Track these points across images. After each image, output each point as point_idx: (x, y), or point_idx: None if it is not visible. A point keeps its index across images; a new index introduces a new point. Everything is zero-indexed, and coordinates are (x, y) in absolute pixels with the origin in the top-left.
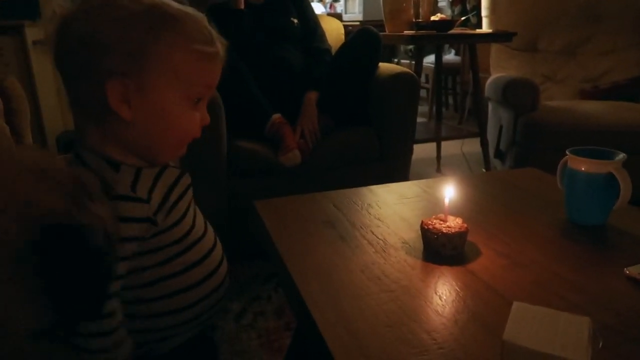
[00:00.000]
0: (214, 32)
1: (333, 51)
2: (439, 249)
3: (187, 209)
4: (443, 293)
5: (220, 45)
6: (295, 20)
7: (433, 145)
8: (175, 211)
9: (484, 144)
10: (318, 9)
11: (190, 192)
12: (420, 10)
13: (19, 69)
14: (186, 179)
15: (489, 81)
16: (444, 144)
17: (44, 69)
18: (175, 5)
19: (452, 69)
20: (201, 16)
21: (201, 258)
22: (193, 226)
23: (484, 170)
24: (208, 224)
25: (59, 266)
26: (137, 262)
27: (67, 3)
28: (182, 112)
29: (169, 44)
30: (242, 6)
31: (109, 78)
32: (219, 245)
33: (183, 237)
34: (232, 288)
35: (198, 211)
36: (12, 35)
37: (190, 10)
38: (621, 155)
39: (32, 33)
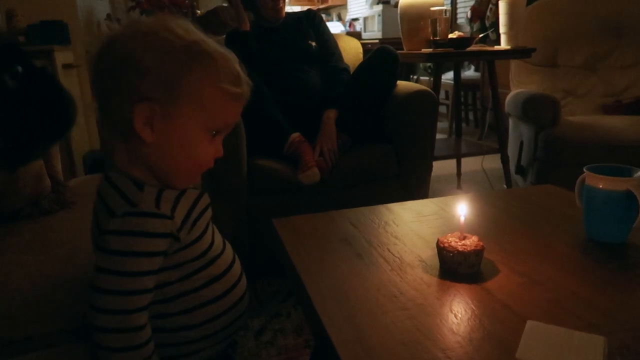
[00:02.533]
0: (242, 74)
1: (351, 70)
2: (455, 267)
3: (207, 227)
4: (458, 311)
5: (246, 87)
6: (313, 43)
7: (453, 161)
8: (196, 228)
9: (505, 160)
10: (338, 27)
11: (209, 211)
12: (438, 28)
13: None
14: (205, 199)
15: (509, 97)
16: (464, 160)
17: (72, 91)
18: (213, 44)
19: (472, 84)
20: (234, 57)
21: (221, 273)
22: (212, 242)
23: (504, 186)
24: (226, 241)
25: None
26: (160, 277)
27: (116, 25)
28: (199, 143)
29: (200, 79)
30: (248, 28)
31: (139, 101)
32: (237, 261)
33: (204, 253)
34: (252, 305)
35: (216, 229)
36: (43, 59)
37: (224, 50)
38: (639, 172)
39: (62, 57)
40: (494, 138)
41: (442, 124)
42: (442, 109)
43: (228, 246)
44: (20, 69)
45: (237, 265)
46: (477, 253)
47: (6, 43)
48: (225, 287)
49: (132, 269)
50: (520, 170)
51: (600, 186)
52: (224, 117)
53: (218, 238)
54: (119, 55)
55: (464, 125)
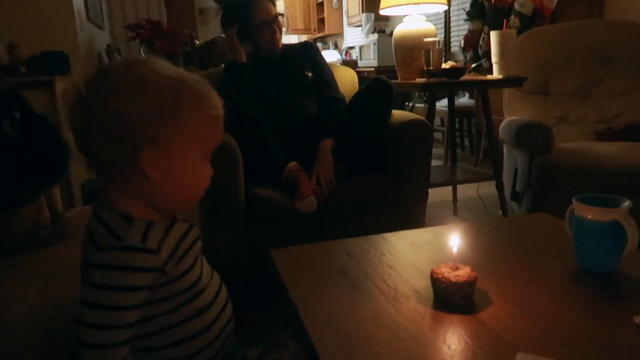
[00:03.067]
0: (216, 94)
1: (347, 99)
2: (448, 297)
3: (196, 260)
4: (452, 343)
5: (221, 106)
6: (310, 74)
7: (450, 187)
8: (184, 262)
9: (500, 187)
10: (334, 55)
11: (199, 244)
12: (431, 58)
13: None
14: (195, 232)
15: (502, 124)
16: (460, 186)
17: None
18: (190, 74)
19: (467, 111)
20: (207, 82)
21: (207, 304)
22: (201, 275)
23: (500, 213)
24: (214, 270)
25: None
26: (146, 310)
27: (84, 77)
28: (198, 168)
29: (190, 112)
30: (244, 59)
31: (144, 145)
32: (224, 289)
33: (191, 286)
34: (250, 335)
35: (205, 260)
36: (44, 90)
37: (199, 77)
38: (627, 203)
39: (62, 87)
40: (489, 164)
41: (437, 150)
42: (438, 135)
43: (215, 276)
44: (18, 115)
45: (224, 294)
46: (470, 284)
47: (6, 90)
48: (211, 318)
49: (115, 304)
50: (516, 196)
51: (589, 217)
52: (213, 140)
53: (206, 269)
54: (105, 111)
55: (459, 151)
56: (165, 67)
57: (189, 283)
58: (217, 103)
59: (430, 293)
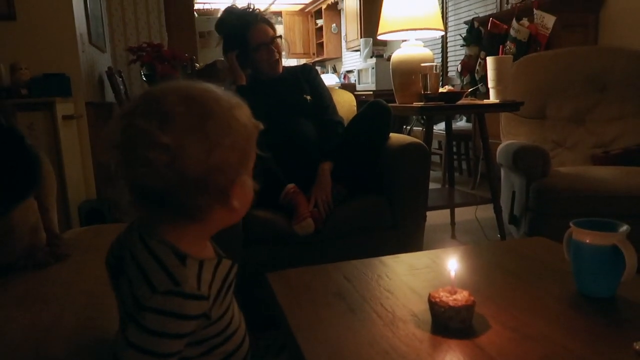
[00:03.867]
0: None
1: (345, 122)
2: (446, 322)
3: (231, 300)
4: None
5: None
6: (308, 97)
7: (448, 210)
8: (225, 302)
9: (497, 211)
10: (333, 79)
11: (234, 282)
12: (428, 82)
13: (48, 142)
14: (235, 269)
15: (499, 148)
16: (458, 209)
17: (71, 141)
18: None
19: (464, 135)
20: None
21: (236, 348)
22: (233, 316)
23: (498, 236)
24: (238, 307)
25: None
26: (184, 352)
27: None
28: (251, 183)
29: (248, 139)
30: (244, 82)
31: (232, 187)
32: (246, 331)
33: (225, 329)
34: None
35: (234, 300)
36: (44, 111)
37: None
38: (625, 227)
39: (63, 109)
40: (486, 187)
41: (435, 173)
42: (436, 158)
43: (241, 316)
44: None
45: (247, 341)
46: (468, 308)
47: None
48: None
49: (164, 350)
50: (514, 219)
51: (587, 241)
52: (255, 151)
53: (236, 308)
54: (194, 149)
55: (457, 174)
56: (219, 98)
57: (223, 326)
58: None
59: (428, 317)
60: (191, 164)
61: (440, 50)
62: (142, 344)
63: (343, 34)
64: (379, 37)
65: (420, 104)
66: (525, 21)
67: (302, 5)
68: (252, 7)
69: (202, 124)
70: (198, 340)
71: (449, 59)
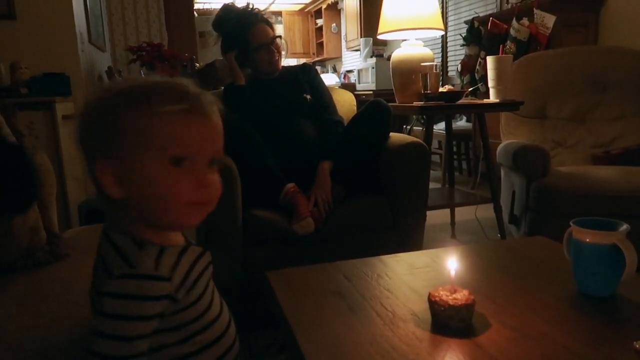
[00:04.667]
0: (191, 90)
1: (345, 121)
2: (446, 321)
3: (207, 287)
4: None
5: (196, 100)
6: (308, 97)
7: (448, 210)
8: (196, 288)
9: (497, 210)
10: (333, 79)
11: (210, 270)
12: (429, 82)
13: (48, 141)
14: (207, 257)
15: (499, 147)
16: (458, 208)
17: (70, 141)
18: (149, 79)
19: (464, 134)
20: (172, 80)
21: (217, 338)
22: (211, 304)
23: (498, 236)
24: (223, 301)
25: None
26: (157, 340)
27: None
28: (164, 176)
29: (130, 113)
30: (243, 82)
31: (94, 165)
32: (232, 324)
33: (201, 315)
34: (245, 358)
35: (215, 289)
36: (44, 110)
37: (159, 78)
38: (625, 226)
39: (62, 108)
40: (486, 187)
41: (435, 173)
42: (436, 158)
43: (225, 308)
44: None
45: (232, 329)
46: (468, 307)
47: None
48: (220, 352)
49: (126, 333)
50: (514, 219)
51: (587, 240)
52: (175, 139)
53: (216, 298)
54: (79, 132)
55: (457, 174)
56: (116, 81)
57: (199, 312)
58: (183, 98)
59: (428, 316)
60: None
61: (440, 50)
62: (107, 329)
63: (343, 33)
64: (379, 37)
65: (420, 103)
66: (525, 21)
67: (302, 5)
68: (251, 6)
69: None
70: (173, 326)
71: (449, 59)
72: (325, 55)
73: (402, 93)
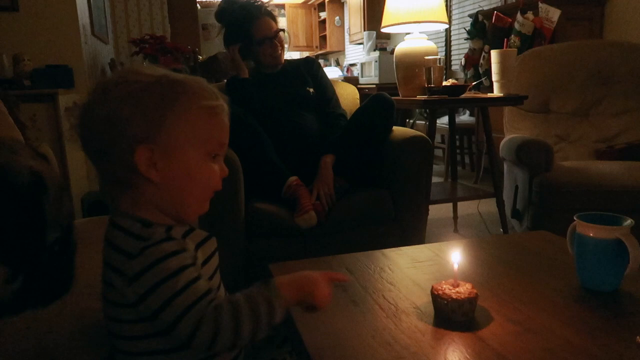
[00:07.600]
0: (216, 89)
1: (348, 115)
2: (449, 314)
3: (214, 274)
4: None
5: (222, 100)
6: (311, 90)
7: (450, 204)
8: (204, 272)
9: (500, 205)
10: (336, 72)
11: (216, 257)
12: (432, 76)
13: (51, 133)
14: (213, 243)
15: (503, 142)
16: (460, 203)
17: (73, 132)
18: (179, 74)
19: (467, 129)
20: (202, 79)
21: None
22: (217, 291)
23: (501, 230)
24: (227, 292)
25: None
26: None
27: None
28: (202, 166)
29: (182, 106)
30: (247, 75)
31: (136, 146)
32: None
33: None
34: (247, 351)
35: (222, 282)
36: (46, 102)
37: (191, 76)
38: (629, 221)
39: (65, 100)
40: (489, 181)
41: (438, 167)
42: (438, 152)
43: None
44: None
45: None
46: (471, 301)
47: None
48: None
49: (183, 284)
50: (517, 214)
51: (591, 234)
52: (215, 135)
53: (222, 289)
54: (99, 115)
55: (460, 168)
56: (152, 68)
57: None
58: (215, 95)
59: (430, 310)
60: (95, 128)
61: (444, 44)
62: (163, 297)
63: (346, 26)
64: (383, 30)
65: (424, 97)
66: (529, 14)
67: None
68: None
69: (109, 85)
70: None
71: (452, 52)
72: (328, 49)
73: (406, 87)
